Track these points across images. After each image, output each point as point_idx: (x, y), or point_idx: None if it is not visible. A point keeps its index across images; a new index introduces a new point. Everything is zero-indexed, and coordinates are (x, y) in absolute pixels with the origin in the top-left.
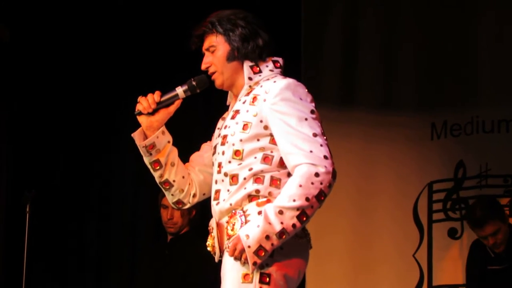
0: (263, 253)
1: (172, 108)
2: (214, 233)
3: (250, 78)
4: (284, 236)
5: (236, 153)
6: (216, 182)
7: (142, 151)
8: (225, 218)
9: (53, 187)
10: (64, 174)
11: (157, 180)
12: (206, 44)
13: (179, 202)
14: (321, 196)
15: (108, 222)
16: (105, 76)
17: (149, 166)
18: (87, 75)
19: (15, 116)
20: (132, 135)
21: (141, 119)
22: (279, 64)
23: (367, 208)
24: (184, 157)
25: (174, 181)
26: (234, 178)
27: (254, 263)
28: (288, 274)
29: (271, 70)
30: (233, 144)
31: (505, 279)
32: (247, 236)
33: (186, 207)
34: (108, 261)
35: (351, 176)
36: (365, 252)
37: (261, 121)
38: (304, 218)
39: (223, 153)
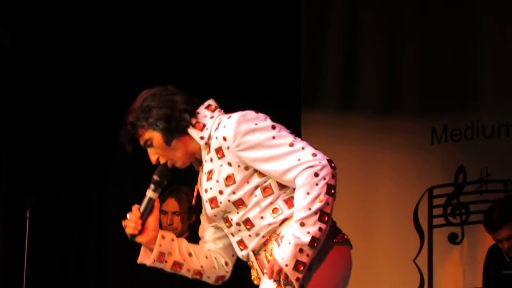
0: (302, 267)
1: (156, 211)
2: (255, 265)
3: (201, 138)
4: (316, 244)
5: (237, 203)
6: (233, 235)
7: (157, 266)
8: (263, 249)
9: (54, 193)
10: (65, 180)
11: (189, 276)
12: (142, 143)
13: (218, 278)
14: (330, 190)
15: (108, 227)
16: (106, 80)
17: (173, 271)
18: (88, 80)
19: (15, 121)
20: (138, 262)
21: (138, 239)
22: (212, 106)
23: (368, 212)
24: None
25: (202, 266)
26: (248, 222)
27: (297, 279)
28: (331, 283)
29: (212, 117)
30: (228, 200)
31: None
32: (282, 256)
33: (227, 277)
34: (109, 266)
35: (352, 180)
36: (365, 257)
37: (239, 166)
38: (326, 218)
39: (224, 211)
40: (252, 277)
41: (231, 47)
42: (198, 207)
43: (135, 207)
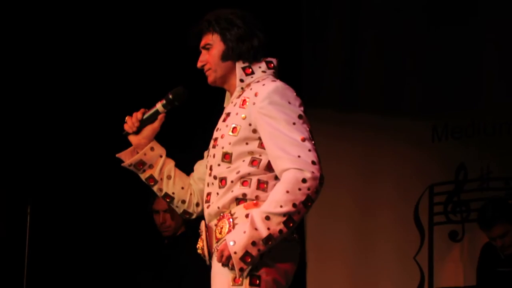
0: (249, 259)
1: (157, 124)
2: (203, 236)
3: (241, 80)
4: (270, 242)
5: (225, 156)
6: (208, 185)
7: (132, 169)
8: (214, 221)
9: (54, 189)
10: (65, 176)
11: (159, 195)
12: (202, 42)
13: (185, 212)
14: (308, 202)
15: (108, 224)
16: (106, 80)
17: (146, 183)
18: (88, 78)
19: (16, 117)
20: (117, 155)
21: (130, 138)
22: (272, 65)
23: (368, 210)
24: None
25: (173, 193)
26: (223, 181)
27: (241, 269)
28: (277, 278)
29: (263, 72)
30: (223, 147)
31: None
32: (234, 242)
33: (193, 217)
34: (108, 263)
35: (352, 178)
36: (366, 255)
37: (250, 125)
38: (291, 224)
39: (213, 156)
40: (197, 246)
41: None
42: None
43: (141, 110)
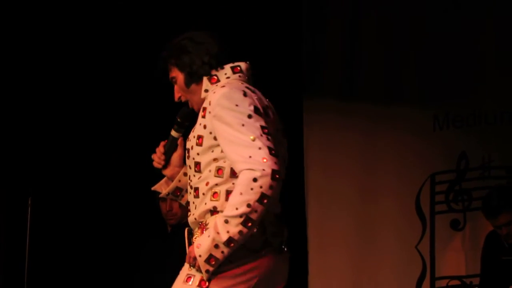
0: (214, 261)
1: (180, 149)
2: (186, 244)
3: (206, 90)
4: (232, 244)
5: (196, 166)
6: (189, 193)
7: (171, 198)
8: (196, 230)
9: (55, 181)
10: (66, 168)
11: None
12: (170, 77)
13: None
14: (263, 199)
15: (109, 217)
16: (106, 76)
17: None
18: (89, 73)
19: (16, 110)
20: (152, 188)
21: (164, 172)
22: (239, 69)
23: (370, 199)
24: None
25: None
26: (196, 191)
27: (207, 271)
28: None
29: (228, 77)
30: (194, 158)
31: None
32: (199, 245)
33: None
34: (111, 254)
35: (354, 168)
36: (367, 244)
37: (210, 133)
38: (250, 224)
39: (189, 167)
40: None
41: (231, 34)
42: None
43: (161, 144)
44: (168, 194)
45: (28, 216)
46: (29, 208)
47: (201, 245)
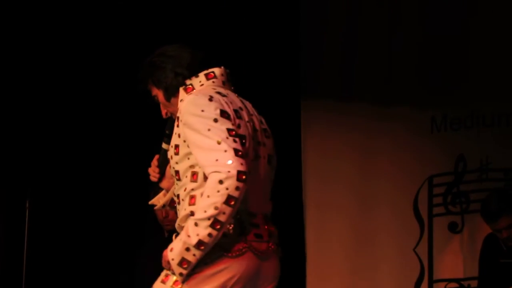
0: (186, 265)
1: None
2: None
3: (182, 100)
4: (202, 247)
5: (177, 174)
6: (175, 201)
7: (168, 209)
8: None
9: (53, 183)
10: (64, 170)
11: None
12: (152, 96)
13: None
14: (230, 201)
15: (107, 218)
16: (105, 77)
17: None
18: (87, 76)
19: (15, 112)
20: (149, 202)
21: (161, 186)
22: (212, 75)
23: (367, 202)
24: None
25: None
26: (178, 198)
27: (180, 274)
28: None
29: (202, 84)
30: (174, 167)
31: None
32: (172, 249)
33: None
34: (109, 257)
35: (351, 170)
36: (365, 247)
37: (184, 141)
38: (218, 226)
39: (172, 176)
40: None
41: (230, 37)
42: None
43: (155, 157)
44: (164, 206)
45: (26, 219)
46: (27, 211)
47: (174, 248)
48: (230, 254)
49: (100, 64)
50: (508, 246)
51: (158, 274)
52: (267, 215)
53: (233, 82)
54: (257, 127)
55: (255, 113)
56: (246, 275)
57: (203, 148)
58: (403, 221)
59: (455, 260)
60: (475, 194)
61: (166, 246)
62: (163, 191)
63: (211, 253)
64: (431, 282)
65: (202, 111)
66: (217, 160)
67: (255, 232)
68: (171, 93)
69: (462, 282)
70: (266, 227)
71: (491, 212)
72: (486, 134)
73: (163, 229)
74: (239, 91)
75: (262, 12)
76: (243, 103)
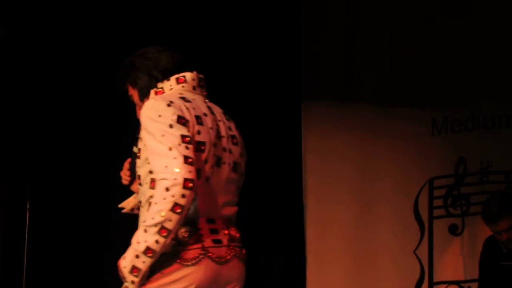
0: (136, 272)
1: None
2: None
3: None
4: (150, 253)
5: (139, 179)
6: None
7: (136, 213)
8: None
9: (54, 184)
10: (65, 171)
11: None
12: (128, 96)
13: None
14: (176, 208)
15: (107, 219)
16: (104, 77)
17: None
18: (89, 72)
19: (15, 113)
20: (119, 205)
21: (132, 189)
22: (183, 79)
23: (368, 204)
24: None
25: None
26: (141, 203)
27: (132, 282)
28: None
29: (171, 89)
30: (137, 171)
31: None
32: (124, 257)
33: None
34: (108, 257)
35: (352, 172)
36: (366, 249)
37: (145, 145)
38: (165, 233)
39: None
40: None
41: (231, 38)
42: None
43: (127, 160)
44: (133, 209)
45: (27, 219)
46: (28, 212)
47: (126, 256)
48: (186, 263)
49: (101, 65)
50: (508, 249)
51: None
52: (230, 219)
53: (207, 87)
54: (223, 133)
55: (224, 119)
56: (204, 283)
57: (156, 154)
58: (403, 223)
59: (455, 262)
60: (475, 196)
61: None
62: (134, 195)
63: (167, 261)
64: (431, 284)
65: (159, 116)
66: (166, 166)
67: (213, 238)
68: (144, 95)
69: (462, 284)
70: (226, 231)
71: (492, 214)
72: (487, 137)
73: None
74: (241, 95)
75: (263, 15)
76: (210, 109)
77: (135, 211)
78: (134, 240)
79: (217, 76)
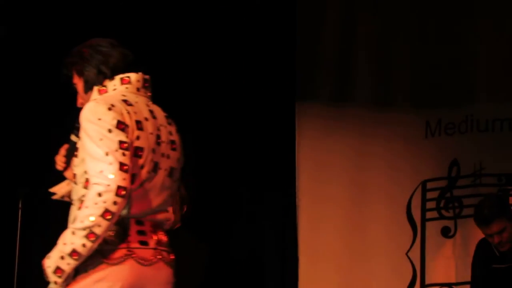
0: (60, 273)
1: None
2: None
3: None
4: (76, 256)
5: (74, 177)
6: None
7: (66, 200)
8: None
9: (46, 183)
10: (57, 171)
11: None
12: (73, 83)
13: None
14: (106, 215)
15: None
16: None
17: None
18: None
19: (7, 112)
20: (50, 190)
21: (65, 175)
22: (127, 80)
23: (360, 206)
24: None
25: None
26: (73, 201)
27: (55, 282)
28: None
29: (114, 89)
30: (73, 169)
31: (509, 278)
32: (49, 256)
33: None
34: None
35: (344, 174)
36: (358, 251)
37: (83, 146)
38: (93, 238)
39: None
40: None
41: (226, 39)
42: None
43: (64, 146)
44: (63, 197)
45: (19, 219)
46: (20, 211)
47: (51, 256)
48: (111, 262)
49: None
50: (501, 252)
51: None
52: (160, 224)
53: (152, 88)
54: (164, 138)
55: (165, 123)
56: (128, 283)
57: (92, 157)
58: (396, 225)
59: (447, 264)
60: (468, 199)
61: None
62: (66, 181)
63: (92, 260)
64: (423, 286)
65: (99, 119)
66: (101, 171)
67: (139, 240)
68: (89, 88)
69: (454, 287)
70: (154, 235)
71: (484, 216)
72: (480, 139)
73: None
74: (236, 96)
75: (257, 15)
76: (152, 113)
77: (66, 199)
78: (60, 240)
79: (212, 77)
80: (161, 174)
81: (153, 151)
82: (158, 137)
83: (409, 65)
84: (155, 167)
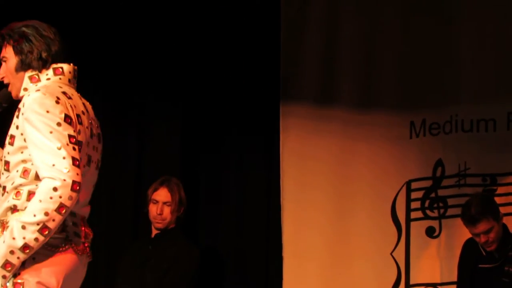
0: (10, 267)
1: None
2: None
3: (25, 89)
4: (27, 250)
5: (6, 164)
6: None
7: None
8: (0, 229)
9: None
10: None
11: None
12: (1, 55)
13: None
14: (61, 209)
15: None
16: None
17: None
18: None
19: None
20: None
21: None
22: (60, 71)
23: (345, 206)
24: None
25: None
26: (4, 190)
27: (3, 276)
28: (42, 281)
29: (48, 79)
30: (4, 156)
31: (495, 277)
32: None
33: None
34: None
35: (329, 174)
36: (342, 251)
37: (22, 134)
38: (46, 232)
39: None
40: None
41: (210, 39)
42: None
43: None
44: None
45: None
46: None
47: None
48: (54, 249)
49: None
50: (488, 251)
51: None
52: (85, 217)
53: (77, 80)
54: (94, 131)
55: (94, 116)
56: (70, 270)
57: (42, 150)
58: (380, 226)
59: (432, 264)
60: (453, 199)
61: (151, 247)
62: None
63: (39, 249)
64: (407, 286)
65: (47, 112)
66: (54, 165)
67: (74, 231)
68: (23, 68)
69: (439, 287)
70: (82, 228)
71: (471, 216)
72: (465, 140)
73: (149, 228)
74: (220, 95)
75: (242, 17)
76: (85, 106)
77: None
78: (8, 235)
79: (196, 78)
80: (92, 167)
81: (88, 144)
82: (91, 130)
83: (393, 65)
84: (89, 161)
